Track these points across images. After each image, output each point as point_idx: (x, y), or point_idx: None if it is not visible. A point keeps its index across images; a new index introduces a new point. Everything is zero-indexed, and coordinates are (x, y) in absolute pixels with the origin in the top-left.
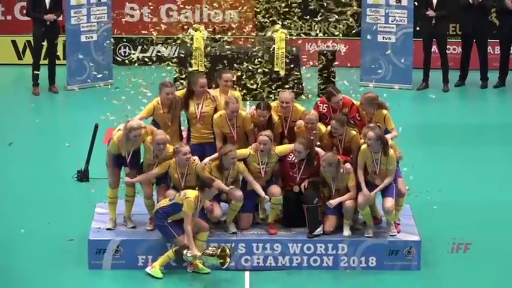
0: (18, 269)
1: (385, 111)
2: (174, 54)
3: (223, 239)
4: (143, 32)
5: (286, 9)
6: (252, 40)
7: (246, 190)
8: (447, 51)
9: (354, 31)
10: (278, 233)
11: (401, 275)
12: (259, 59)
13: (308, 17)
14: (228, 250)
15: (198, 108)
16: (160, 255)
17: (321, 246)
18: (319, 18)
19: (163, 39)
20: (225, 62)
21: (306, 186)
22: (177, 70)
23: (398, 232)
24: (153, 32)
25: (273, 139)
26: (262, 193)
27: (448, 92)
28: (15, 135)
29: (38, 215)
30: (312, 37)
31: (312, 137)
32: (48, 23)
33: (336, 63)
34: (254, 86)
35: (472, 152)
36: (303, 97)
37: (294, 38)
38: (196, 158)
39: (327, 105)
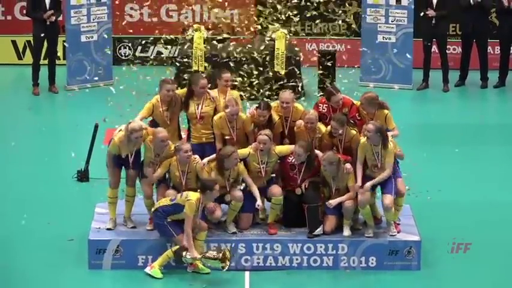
0: (18, 269)
1: (386, 111)
2: (174, 54)
3: (223, 239)
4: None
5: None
6: (253, 40)
7: (246, 190)
8: (447, 51)
9: (354, 31)
10: (278, 233)
11: (401, 275)
12: (259, 60)
13: (308, 13)
14: (228, 253)
15: (198, 108)
16: (160, 255)
17: (321, 246)
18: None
19: (168, 39)
20: (225, 62)
21: (306, 186)
22: (177, 70)
23: (398, 232)
24: (158, 32)
25: (274, 139)
26: (258, 197)
27: (448, 92)
28: (15, 135)
29: (38, 215)
30: (312, 37)
31: (311, 137)
32: (48, 23)
33: (337, 63)
34: (254, 87)
35: (472, 152)
36: (303, 97)
37: (294, 37)
38: (197, 156)
39: (326, 105)
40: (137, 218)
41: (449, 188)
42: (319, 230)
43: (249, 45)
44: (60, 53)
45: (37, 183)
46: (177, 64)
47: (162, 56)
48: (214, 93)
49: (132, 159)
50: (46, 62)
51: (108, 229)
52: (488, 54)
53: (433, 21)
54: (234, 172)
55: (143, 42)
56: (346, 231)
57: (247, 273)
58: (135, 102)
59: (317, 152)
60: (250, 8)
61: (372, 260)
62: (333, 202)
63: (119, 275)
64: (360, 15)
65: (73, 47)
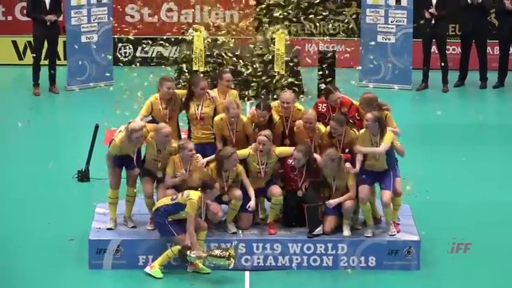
0: (19, 269)
1: (386, 112)
2: (174, 55)
3: (224, 239)
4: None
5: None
6: (253, 40)
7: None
8: (447, 52)
9: (353, 31)
10: (278, 233)
11: (400, 275)
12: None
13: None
14: (233, 251)
15: (198, 109)
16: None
17: (320, 246)
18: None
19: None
20: (225, 62)
21: (306, 187)
22: (177, 71)
23: (397, 232)
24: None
25: (274, 139)
26: (253, 198)
27: (448, 92)
28: (16, 135)
29: (39, 215)
30: (312, 37)
31: (311, 137)
32: (48, 23)
33: (336, 64)
34: (254, 88)
35: (472, 152)
36: (303, 98)
37: (294, 38)
38: (199, 155)
39: (326, 105)
40: (137, 218)
41: (449, 188)
42: (318, 230)
43: (251, 45)
44: (60, 54)
45: (38, 183)
46: (177, 65)
47: (163, 56)
48: (213, 93)
49: (135, 158)
50: (46, 62)
51: (108, 229)
52: (487, 55)
53: (433, 22)
54: (232, 173)
55: (144, 42)
56: (346, 231)
57: (247, 273)
58: (136, 102)
59: (316, 156)
60: (250, 9)
61: (372, 259)
62: (333, 202)
63: (119, 274)
64: (359, 15)
65: (73, 48)
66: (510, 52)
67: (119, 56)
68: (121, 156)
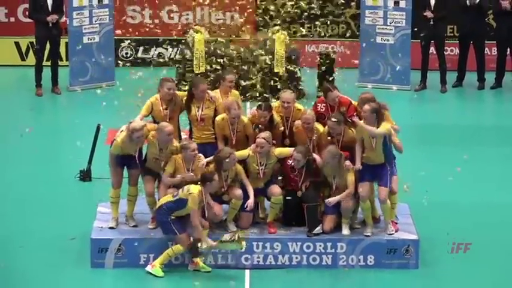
0: (19, 269)
1: (385, 111)
2: (175, 55)
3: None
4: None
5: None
6: (253, 41)
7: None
8: (445, 53)
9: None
10: (278, 232)
11: (399, 274)
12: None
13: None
14: (242, 234)
15: (198, 111)
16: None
17: (320, 245)
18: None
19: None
20: (226, 62)
21: (306, 187)
22: (178, 72)
23: (396, 231)
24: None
25: (275, 139)
26: (251, 197)
27: (446, 93)
28: (18, 135)
29: (40, 214)
30: (311, 38)
31: (310, 137)
32: (50, 24)
33: (335, 64)
34: (255, 88)
35: (469, 153)
36: (303, 98)
37: (293, 39)
38: (201, 155)
39: (325, 105)
40: (139, 217)
41: (447, 188)
42: (318, 229)
43: (251, 45)
44: (62, 54)
45: (40, 183)
46: (179, 65)
47: (164, 57)
48: (213, 93)
49: (137, 157)
50: (49, 63)
51: (110, 228)
52: (485, 56)
53: (431, 23)
54: (231, 172)
55: (144, 43)
56: (345, 230)
57: (247, 271)
58: (137, 102)
59: (315, 156)
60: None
61: (371, 258)
62: (332, 200)
63: (121, 273)
64: (358, 17)
65: (75, 49)
66: (508, 53)
67: (120, 57)
68: (123, 156)
